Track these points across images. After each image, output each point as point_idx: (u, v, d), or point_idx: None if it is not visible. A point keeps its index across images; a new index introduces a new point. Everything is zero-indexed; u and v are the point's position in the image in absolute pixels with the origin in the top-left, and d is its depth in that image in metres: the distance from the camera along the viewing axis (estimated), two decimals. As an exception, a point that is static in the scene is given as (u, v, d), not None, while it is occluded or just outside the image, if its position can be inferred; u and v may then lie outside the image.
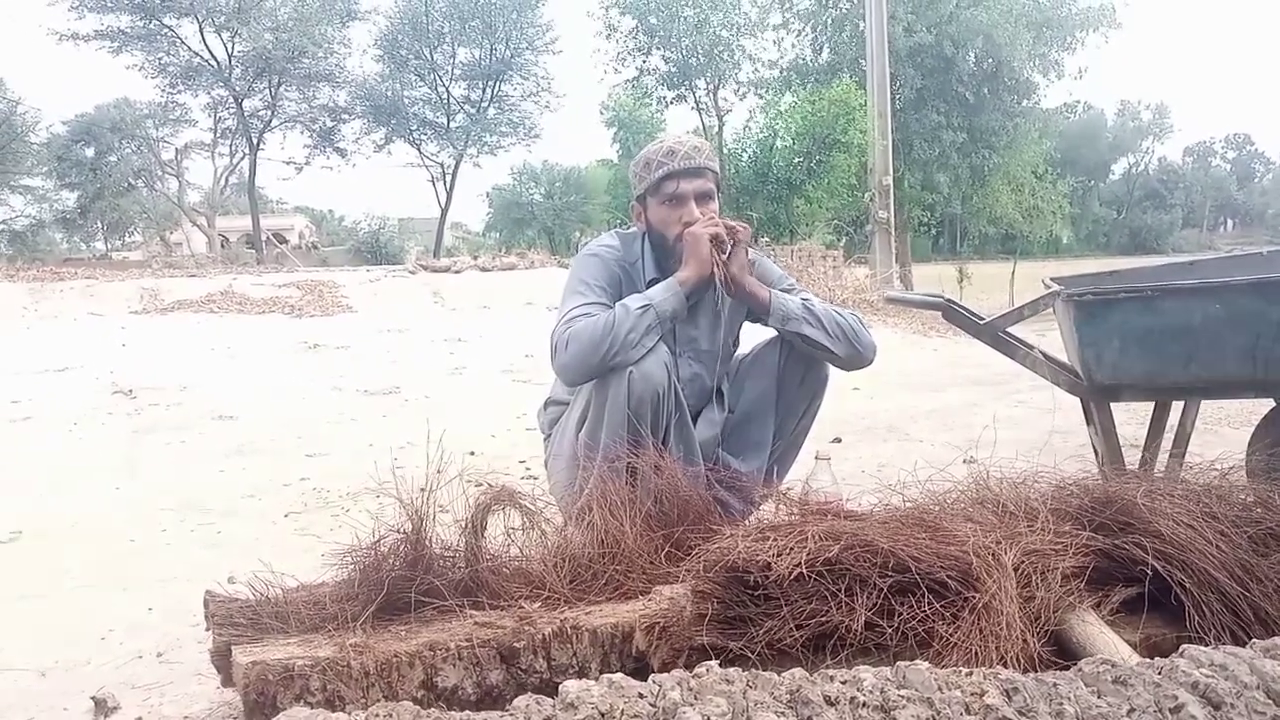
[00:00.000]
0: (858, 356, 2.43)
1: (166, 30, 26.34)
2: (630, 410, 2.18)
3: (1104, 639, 1.52)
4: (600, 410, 2.23)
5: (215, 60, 26.88)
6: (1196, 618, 1.60)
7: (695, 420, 2.48)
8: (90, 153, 30.08)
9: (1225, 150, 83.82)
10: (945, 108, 21.53)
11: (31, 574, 2.69)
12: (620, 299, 2.35)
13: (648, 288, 2.41)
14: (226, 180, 33.13)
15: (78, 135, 29.69)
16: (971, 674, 1.20)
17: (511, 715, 1.15)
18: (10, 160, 30.06)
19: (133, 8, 25.39)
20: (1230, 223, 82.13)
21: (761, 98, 22.19)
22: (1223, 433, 4.29)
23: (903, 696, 1.14)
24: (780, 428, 2.51)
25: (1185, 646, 1.28)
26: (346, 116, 29.75)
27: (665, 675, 1.19)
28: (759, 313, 2.44)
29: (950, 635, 1.44)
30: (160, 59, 26.94)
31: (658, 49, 21.90)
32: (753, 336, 2.66)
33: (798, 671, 1.21)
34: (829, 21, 22.80)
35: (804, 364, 2.49)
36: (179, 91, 28.27)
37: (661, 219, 2.44)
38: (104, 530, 3.12)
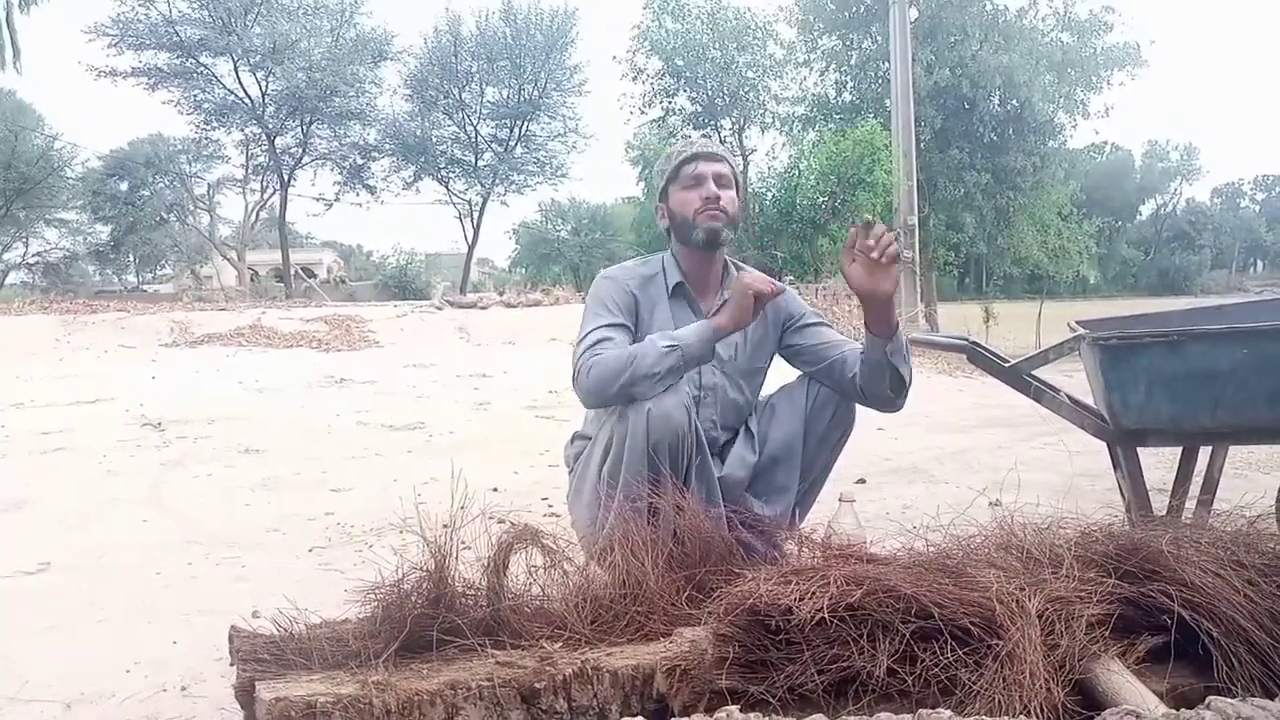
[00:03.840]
0: (901, 403, 2.47)
1: (202, 69, 26.90)
2: (649, 452, 2.19)
3: (1130, 689, 1.50)
4: (619, 451, 2.23)
5: (249, 98, 27.39)
6: (1224, 668, 1.57)
7: (726, 457, 2.49)
8: (124, 187, 30.62)
9: (1254, 191, 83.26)
10: (969, 148, 21.55)
11: (59, 605, 2.72)
12: (633, 317, 2.42)
13: (670, 295, 2.49)
14: (257, 215, 33.65)
15: (112, 170, 30.26)
16: (994, 723, 1.19)
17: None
18: (46, 194, 30.71)
19: (170, 46, 25.95)
20: (1260, 264, 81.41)
21: (785, 134, 22.32)
22: (1252, 477, 4.24)
23: (925, 745, 1.13)
24: (805, 470, 2.51)
25: (1212, 698, 1.27)
26: (376, 154, 30.17)
27: (688, 719, 1.19)
28: (881, 334, 2.33)
29: (973, 683, 1.43)
30: (195, 96, 27.50)
31: (684, 89, 22.10)
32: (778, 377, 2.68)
33: (819, 717, 1.20)
34: (853, 62, 22.95)
35: (832, 406, 2.50)
36: (213, 128, 28.81)
37: (683, 200, 2.50)
38: (131, 563, 3.15)
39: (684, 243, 2.54)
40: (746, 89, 21.42)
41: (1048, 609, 1.56)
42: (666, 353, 2.22)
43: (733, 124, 22.04)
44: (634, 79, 22.48)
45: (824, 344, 2.57)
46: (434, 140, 29.39)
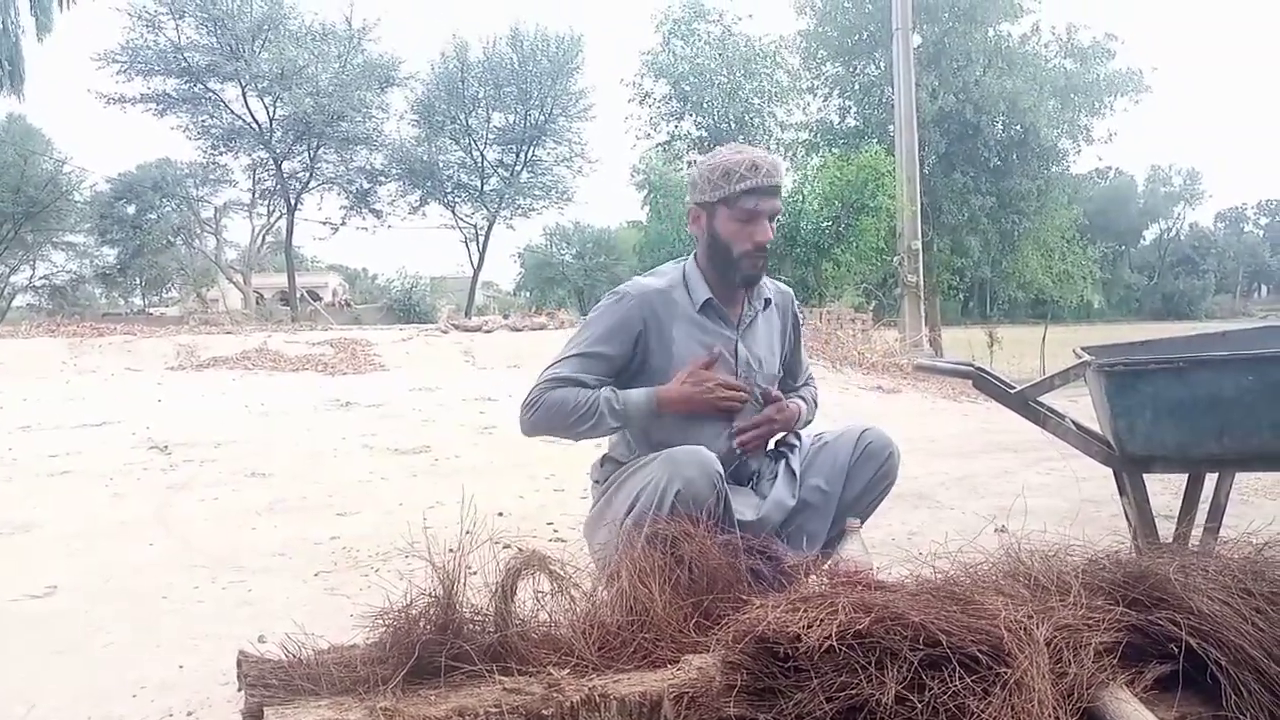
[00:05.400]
0: None
1: (210, 94, 27.15)
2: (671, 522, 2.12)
3: (1139, 717, 1.49)
4: (641, 517, 2.18)
5: (256, 123, 27.62)
6: (1233, 697, 1.57)
7: (765, 494, 2.45)
8: (131, 210, 30.84)
9: (1258, 216, 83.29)
10: (973, 172, 21.63)
11: (66, 629, 2.73)
12: (635, 345, 2.37)
13: (700, 310, 2.43)
14: (263, 239, 33.80)
15: (120, 193, 30.48)
16: (1003, 752, 1.19)
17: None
18: (54, 218, 30.92)
19: (178, 72, 26.22)
20: (1264, 289, 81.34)
21: (789, 159, 22.40)
22: (1258, 504, 4.23)
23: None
24: (836, 520, 2.46)
25: (1221, 727, 1.26)
26: (383, 179, 30.39)
27: (695, 747, 1.19)
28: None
29: (981, 711, 1.42)
30: (203, 121, 27.75)
31: (690, 114, 22.24)
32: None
33: (828, 745, 1.20)
34: (856, 87, 23.09)
35: (877, 461, 2.49)
36: (220, 153, 29.05)
37: (733, 233, 2.39)
38: (137, 586, 3.15)
39: (716, 269, 2.46)
40: (752, 115, 21.52)
41: (1056, 637, 1.56)
42: (608, 417, 2.32)
43: (737, 149, 22.13)
44: (640, 102, 22.63)
45: (788, 387, 2.74)
46: (440, 165, 29.61)
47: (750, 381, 2.49)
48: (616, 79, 26.03)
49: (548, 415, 2.31)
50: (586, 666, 1.72)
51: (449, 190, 30.40)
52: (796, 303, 2.74)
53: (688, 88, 21.33)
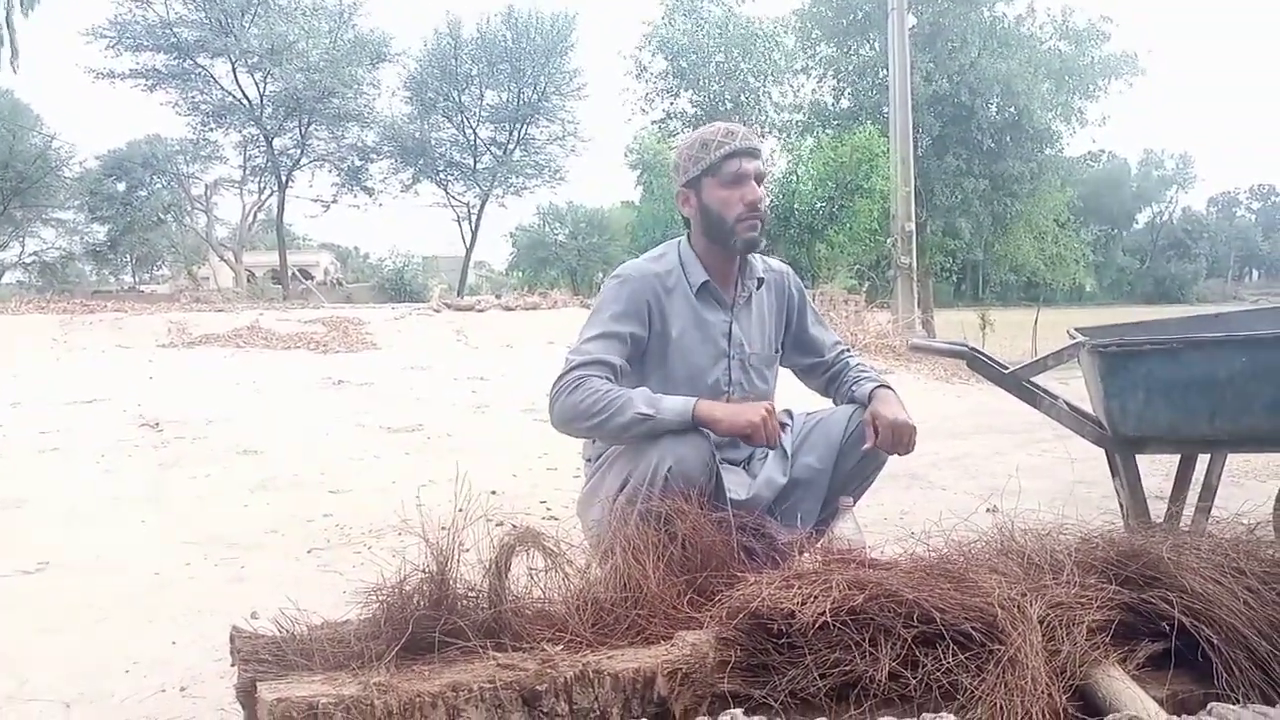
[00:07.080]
0: None
1: (200, 70, 26.90)
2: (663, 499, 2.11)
3: (1130, 694, 1.50)
4: (633, 491, 2.17)
5: (247, 99, 27.38)
6: (1224, 675, 1.58)
7: (756, 474, 2.44)
8: (121, 187, 30.61)
9: (1250, 201, 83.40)
10: (966, 154, 21.60)
11: (57, 605, 2.72)
12: (647, 325, 2.35)
13: (696, 293, 2.41)
14: (254, 216, 33.62)
15: (110, 170, 30.25)
16: (997, 727, 1.19)
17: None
18: (44, 194, 30.66)
19: (168, 48, 25.95)
20: (1255, 273, 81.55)
21: (782, 140, 22.37)
22: (1248, 485, 4.25)
23: (928, 749, 1.13)
24: (828, 500, 2.45)
25: (1213, 704, 1.27)
26: (374, 156, 30.20)
27: (690, 722, 1.19)
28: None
29: (975, 688, 1.43)
30: (193, 97, 27.50)
31: (686, 91, 22.17)
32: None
33: (822, 721, 1.21)
34: (850, 68, 23.00)
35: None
36: (210, 129, 28.80)
37: (722, 199, 2.38)
38: (129, 563, 3.15)
39: (715, 242, 2.43)
40: (748, 95, 21.47)
41: (1049, 614, 1.56)
42: (640, 420, 2.17)
43: (732, 129, 22.09)
44: (638, 76, 22.56)
45: (814, 363, 2.70)
46: (433, 142, 29.45)
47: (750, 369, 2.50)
48: (610, 58, 26.03)
49: (572, 406, 2.21)
50: (580, 643, 1.72)
51: (441, 168, 30.25)
52: (795, 278, 2.68)
53: (685, 64, 21.26)
